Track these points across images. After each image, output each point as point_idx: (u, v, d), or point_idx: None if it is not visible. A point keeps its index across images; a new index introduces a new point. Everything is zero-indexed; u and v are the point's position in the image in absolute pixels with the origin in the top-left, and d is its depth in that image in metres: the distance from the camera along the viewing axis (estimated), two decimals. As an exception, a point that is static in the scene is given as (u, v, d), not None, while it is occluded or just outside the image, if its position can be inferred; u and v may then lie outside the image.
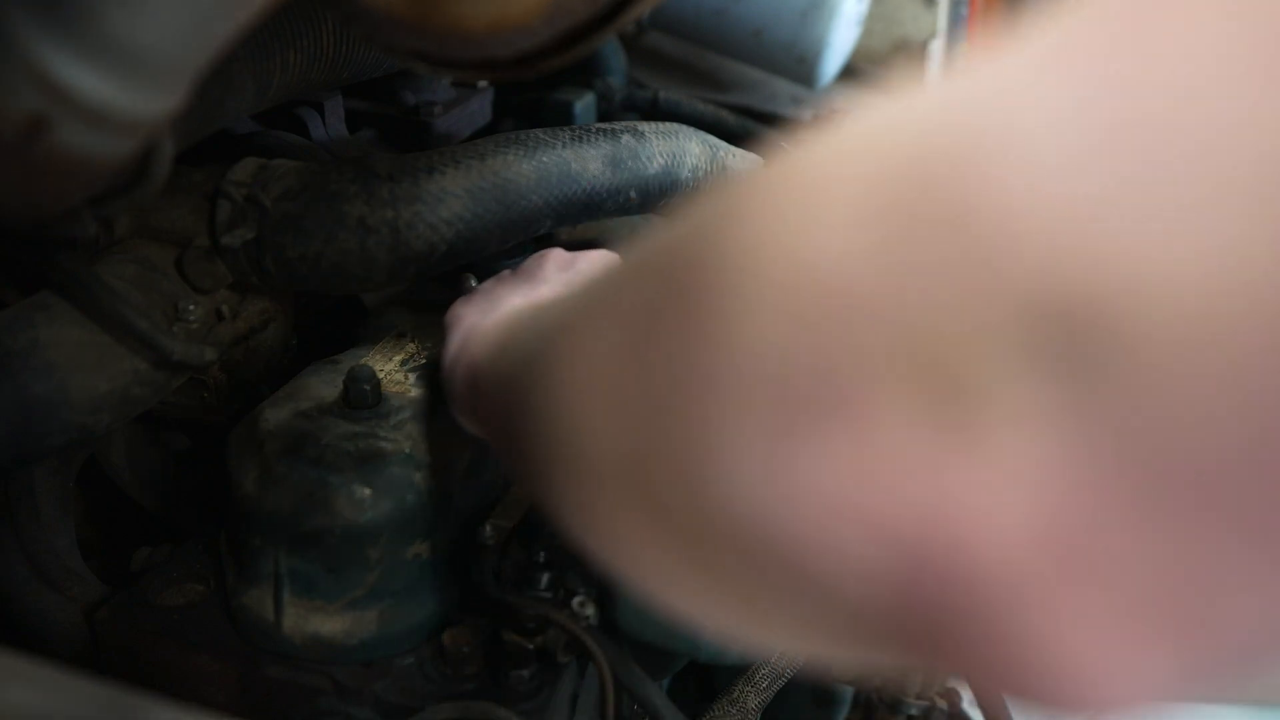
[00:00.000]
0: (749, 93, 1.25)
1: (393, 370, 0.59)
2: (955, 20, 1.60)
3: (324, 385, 0.56)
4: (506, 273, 0.56)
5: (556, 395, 0.28)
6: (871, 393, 0.18)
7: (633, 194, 0.63)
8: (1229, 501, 0.16)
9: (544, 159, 0.60)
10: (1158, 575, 0.17)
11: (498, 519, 0.58)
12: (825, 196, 0.20)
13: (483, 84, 0.92)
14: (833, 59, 1.08)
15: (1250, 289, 0.15)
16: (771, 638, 0.25)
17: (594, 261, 0.55)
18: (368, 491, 0.50)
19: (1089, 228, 0.16)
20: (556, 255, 0.55)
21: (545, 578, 0.53)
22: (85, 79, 0.35)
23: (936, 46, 1.48)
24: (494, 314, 0.49)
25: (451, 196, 0.57)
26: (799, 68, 1.09)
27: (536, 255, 0.56)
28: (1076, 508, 0.17)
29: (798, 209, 0.20)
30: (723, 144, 0.70)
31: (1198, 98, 0.16)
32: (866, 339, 0.18)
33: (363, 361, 0.58)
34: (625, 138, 0.63)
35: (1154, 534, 0.17)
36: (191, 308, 0.59)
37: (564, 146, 0.61)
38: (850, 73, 1.25)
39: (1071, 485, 0.17)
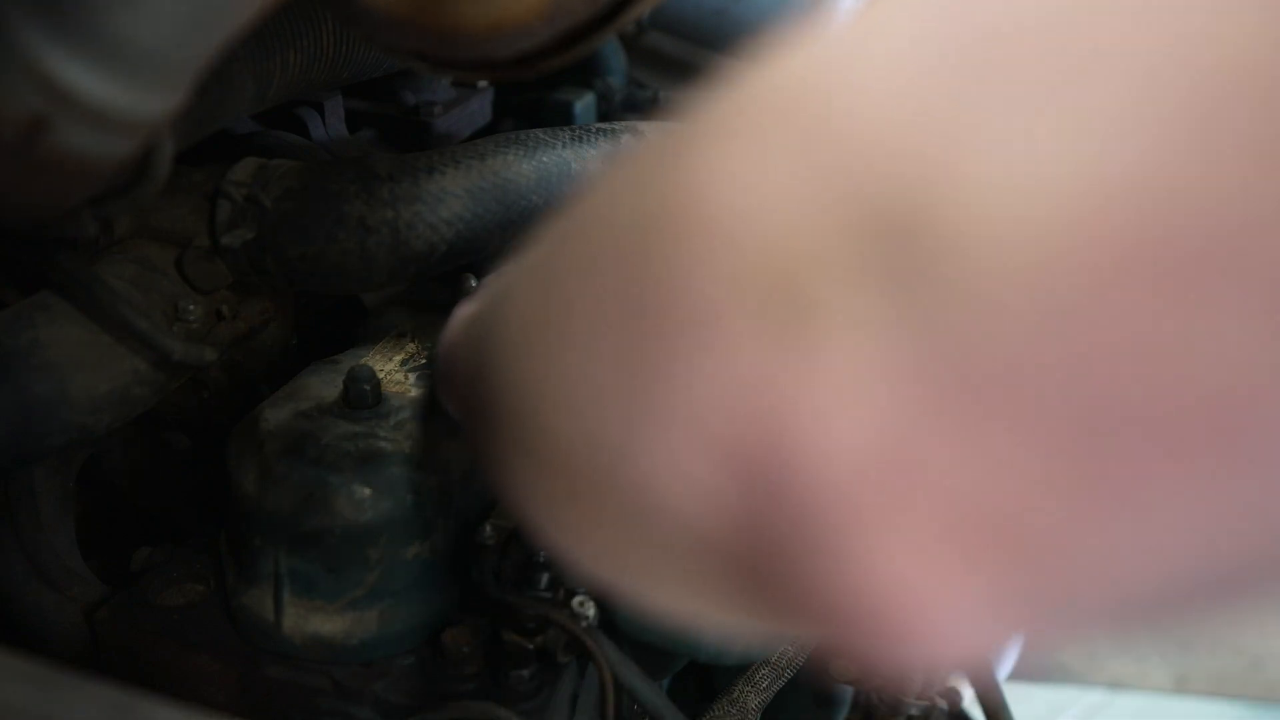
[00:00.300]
0: (749, 93, 1.25)
1: (393, 370, 0.59)
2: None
3: (324, 385, 0.56)
4: (508, 266, 0.56)
5: (489, 352, 0.28)
6: (722, 311, 0.18)
7: (633, 194, 0.63)
8: (1043, 421, 0.16)
9: (544, 159, 0.60)
10: (977, 495, 0.16)
11: (498, 519, 0.58)
12: (704, 137, 0.20)
13: (483, 84, 0.92)
14: (833, 59, 1.08)
15: (1064, 192, 0.15)
16: (646, 588, 0.24)
17: None
18: (368, 491, 0.50)
19: (920, 139, 0.16)
20: None
21: (545, 578, 0.53)
22: (85, 79, 0.35)
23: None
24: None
25: (451, 196, 0.57)
26: (799, 68, 1.09)
27: None
28: (901, 421, 0.16)
29: (678, 151, 0.21)
30: (723, 144, 0.70)
31: (1023, 25, 0.16)
32: (724, 259, 0.18)
33: (363, 361, 0.58)
34: (625, 138, 0.63)
35: (973, 450, 0.16)
36: (191, 308, 0.59)
37: (564, 146, 0.61)
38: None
39: (897, 398, 0.16)
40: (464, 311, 0.47)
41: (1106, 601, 0.17)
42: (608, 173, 0.24)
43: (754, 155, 0.19)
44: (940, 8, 0.18)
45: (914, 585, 0.17)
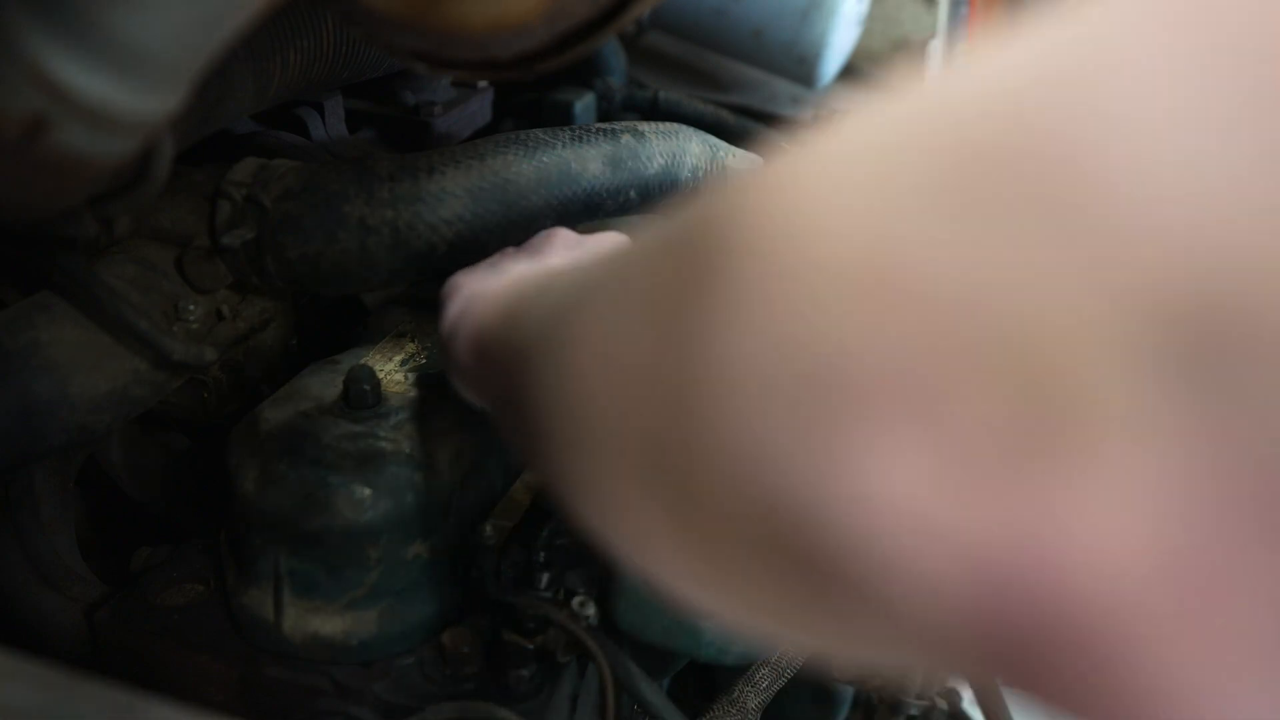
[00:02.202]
0: (749, 93, 1.25)
1: (393, 370, 0.59)
2: (955, 20, 1.61)
3: (324, 385, 0.56)
4: (511, 249, 0.56)
5: (568, 370, 0.27)
6: (951, 388, 0.16)
7: (633, 194, 0.63)
8: None
9: (544, 159, 0.60)
10: None
11: (498, 519, 0.58)
12: (881, 169, 0.18)
13: (483, 84, 0.92)
14: (833, 59, 1.08)
15: None
16: (803, 639, 0.23)
17: (603, 241, 0.53)
18: (368, 491, 0.50)
19: (1225, 212, 0.14)
20: (563, 234, 0.54)
21: (545, 578, 0.53)
22: (85, 79, 0.35)
23: (936, 46, 1.48)
24: (499, 281, 0.47)
25: (451, 196, 0.57)
26: (799, 68, 1.09)
27: (543, 233, 0.54)
28: (1202, 532, 0.15)
29: (849, 184, 0.18)
30: (723, 144, 0.70)
31: None
32: (943, 327, 0.16)
33: (363, 361, 0.58)
34: (625, 138, 0.63)
35: None
36: (191, 308, 0.59)
37: (564, 146, 0.61)
38: (850, 73, 1.25)
39: (1196, 506, 0.15)
40: (489, 292, 0.45)
41: None
42: (741, 191, 0.21)
43: (970, 208, 0.16)
44: (1225, 27, 0.15)
45: (1223, 700, 0.16)
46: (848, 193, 0.18)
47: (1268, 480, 0.14)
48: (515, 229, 0.60)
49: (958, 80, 0.18)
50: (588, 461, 0.26)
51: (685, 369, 0.21)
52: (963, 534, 0.16)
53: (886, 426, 0.17)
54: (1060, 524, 0.15)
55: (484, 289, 0.46)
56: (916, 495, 0.17)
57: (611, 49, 1.07)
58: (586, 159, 0.61)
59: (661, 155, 0.64)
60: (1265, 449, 0.14)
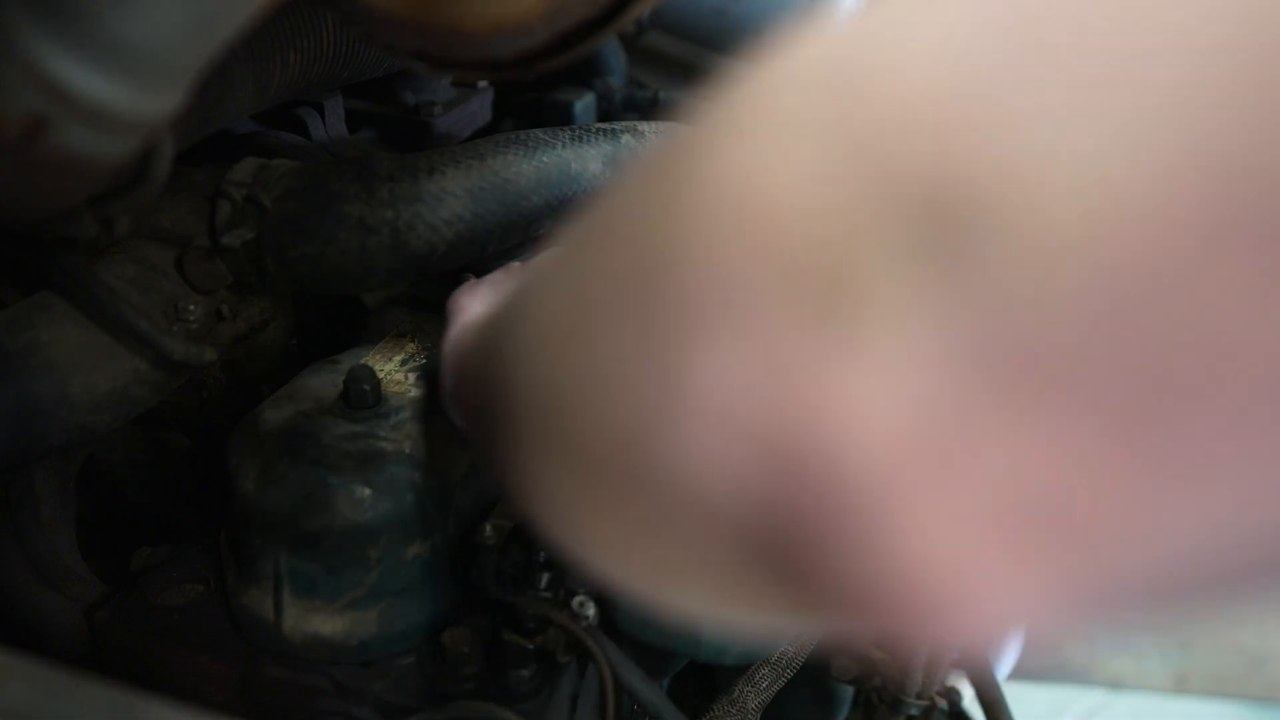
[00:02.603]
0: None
1: (393, 370, 0.59)
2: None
3: (324, 385, 0.56)
4: (515, 264, 0.56)
5: (507, 358, 0.28)
6: (758, 297, 0.18)
7: (633, 194, 0.63)
8: (1097, 401, 0.15)
9: (544, 159, 0.60)
10: (1026, 476, 0.16)
11: (498, 519, 0.58)
12: (744, 122, 0.20)
13: (483, 84, 0.92)
14: (833, 59, 1.08)
15: (1120, 168, 0.15)
16: (670, 586, 0.24)
17: None
18: (368, 491, 0.50)
19: (964, 117, 0.16)
20: None
21: (545, 578, 0.53)
22: (85, 79, 0.35)
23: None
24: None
25: (452, 196, 0.57)
26: (799, 68, 1.09)
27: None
28: (945, 403, 0.16)
29: (710, 138, 0.20)
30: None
31: (1071, 3, 0.16)
32: (754, 244, 0.18)
33: (363, 361, 0.58)
34: (625, 138, 0.63)
35: (1020, 435, 0.16)
36: (191, 308, 0.59)
37: (564, 146, 0.61)
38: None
39: (941, 380, 0.16)
40: (470, 319, 0.47)
41: (1150, 581, 0.17)
42: (628, 172, 0.24)
43: (782, 137, 0.18)
44: None
45: (959, 567, 0.17)
46: (712, 149, 0.20)
47: (999, 356, 0.16)
48: (515, 229, 0.60)
49: (803, 48, 0.20)
50: (510, 433, 0.27)
51: (582, 319, 0.23)
52: (760, 424, 0.18)
53: (710, 335, 0.19)
54: (832, 404, 0.17)
55: (475, 318, 0.47)
56: (728, 396, 0.18)
57: (611, 49, 1.07)
58: (586, 159, 0.61)
59: (661, 155, 0.64)
60: (996, 329, 0.16)
